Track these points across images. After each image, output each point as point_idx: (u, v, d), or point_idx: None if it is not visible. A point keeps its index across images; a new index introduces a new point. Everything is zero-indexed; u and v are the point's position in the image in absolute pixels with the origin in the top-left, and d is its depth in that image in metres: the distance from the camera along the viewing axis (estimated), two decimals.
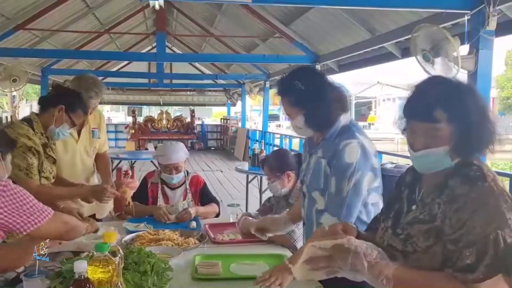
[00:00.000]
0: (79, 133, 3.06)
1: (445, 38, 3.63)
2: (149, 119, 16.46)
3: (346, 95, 1.99)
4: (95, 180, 3.21)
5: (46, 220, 1.71)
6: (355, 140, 1.85)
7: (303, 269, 1.35)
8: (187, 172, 3.18)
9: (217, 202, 3.17)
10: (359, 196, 1.84)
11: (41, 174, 2.55)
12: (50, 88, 2.81)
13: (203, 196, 3.15)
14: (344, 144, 1.85)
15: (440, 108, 1.27)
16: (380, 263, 1.27)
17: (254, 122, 26.90)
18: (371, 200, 1.91)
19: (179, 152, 3.05)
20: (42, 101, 2.68)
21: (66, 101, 2.58)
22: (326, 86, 1.92)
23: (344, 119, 1.94)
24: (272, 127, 21.95)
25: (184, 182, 3.13)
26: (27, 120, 2.57)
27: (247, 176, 6.66)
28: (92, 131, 3.15)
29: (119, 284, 1.42)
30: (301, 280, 1.43)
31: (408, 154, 1.39)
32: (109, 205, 3.23)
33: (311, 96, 1.88)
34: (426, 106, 1.29)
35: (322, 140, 1.98)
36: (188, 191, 3.11)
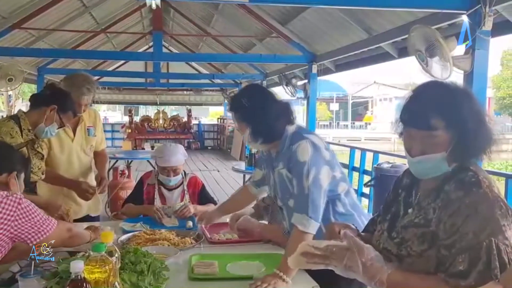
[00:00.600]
0: (74, 132, 3.06)
1: (437, 40, 3.62)
2: (146, 119, 16.43)
3: (291, 108, 2.12)
4: (93, 177, 3.21)
5: (53, 229, 1.82)
6: (304, 140, 1.99)
7: (299, 260, 1.36)
8: (185, 173, 3.14)
9: (215, 203, 3.14)
10: (320, 190, 1.95)
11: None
12: (44, 87, 2.81)
13: (202, 198, 3.12)
14: (296, 146, 1.98)
15: (437, 116, 1.27)
16: (375, 265, 1.27)
17: None
18: (341, 191, 2.05)
19: (178, 155, 3.01)
20: (34, 99, 2.70)
21: (59, 101, 2.61)
22: (270, 103, 2.06)
23: (290, 128, 2.07)
24: None
25: (182, 183, 3.09)
26: (14, 117, 2.59)
27: (244, 176, 6.66)
28: (88, 129, 3.16)
29: (116, 284, 1.42)
30: (296, 268, 1.46)
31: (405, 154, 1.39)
32: (102, 201, 3.33)
33: (255, 112, 2.03)
34: (423, 114, 1.29)
35: (278, 154, 2.10)
36: (185, 192, 3.07)
